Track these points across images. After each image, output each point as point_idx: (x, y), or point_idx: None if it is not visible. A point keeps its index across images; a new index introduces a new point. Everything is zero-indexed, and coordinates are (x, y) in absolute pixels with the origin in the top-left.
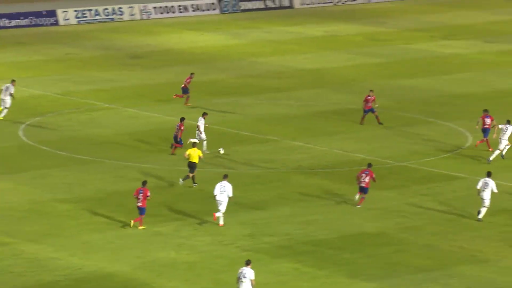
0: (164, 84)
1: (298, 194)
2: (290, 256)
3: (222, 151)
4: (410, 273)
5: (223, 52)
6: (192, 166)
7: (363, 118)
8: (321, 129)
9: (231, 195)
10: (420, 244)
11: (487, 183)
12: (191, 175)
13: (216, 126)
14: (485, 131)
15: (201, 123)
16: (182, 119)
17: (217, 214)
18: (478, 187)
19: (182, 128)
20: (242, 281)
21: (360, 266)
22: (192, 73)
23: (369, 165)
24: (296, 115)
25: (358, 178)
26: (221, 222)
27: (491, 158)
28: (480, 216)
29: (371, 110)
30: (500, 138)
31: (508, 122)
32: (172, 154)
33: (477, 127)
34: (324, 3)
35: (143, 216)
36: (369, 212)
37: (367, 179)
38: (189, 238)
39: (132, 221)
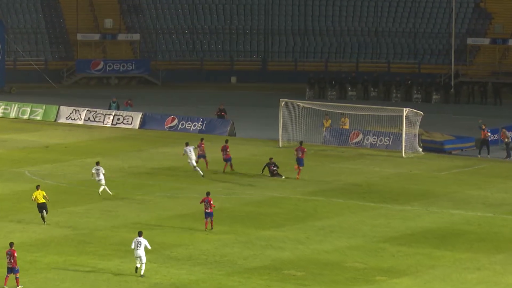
0: None
1: None
2: None
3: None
4: None
5: None
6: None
7: None
8: None
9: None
10: None
11: (140, 241)
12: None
13: None
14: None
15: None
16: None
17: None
18: (132, 247)
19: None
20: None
21: None
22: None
23: None
24: None
25: None
26: (142, 272)
27: None
28: (142, 272)
29: None
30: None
31: (187, 144)
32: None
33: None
34: None
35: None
36: None
37: None
38: None
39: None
